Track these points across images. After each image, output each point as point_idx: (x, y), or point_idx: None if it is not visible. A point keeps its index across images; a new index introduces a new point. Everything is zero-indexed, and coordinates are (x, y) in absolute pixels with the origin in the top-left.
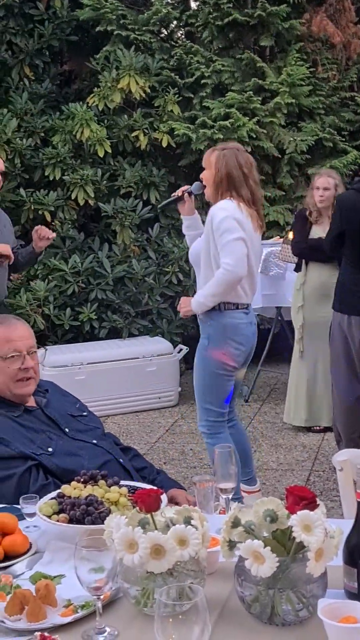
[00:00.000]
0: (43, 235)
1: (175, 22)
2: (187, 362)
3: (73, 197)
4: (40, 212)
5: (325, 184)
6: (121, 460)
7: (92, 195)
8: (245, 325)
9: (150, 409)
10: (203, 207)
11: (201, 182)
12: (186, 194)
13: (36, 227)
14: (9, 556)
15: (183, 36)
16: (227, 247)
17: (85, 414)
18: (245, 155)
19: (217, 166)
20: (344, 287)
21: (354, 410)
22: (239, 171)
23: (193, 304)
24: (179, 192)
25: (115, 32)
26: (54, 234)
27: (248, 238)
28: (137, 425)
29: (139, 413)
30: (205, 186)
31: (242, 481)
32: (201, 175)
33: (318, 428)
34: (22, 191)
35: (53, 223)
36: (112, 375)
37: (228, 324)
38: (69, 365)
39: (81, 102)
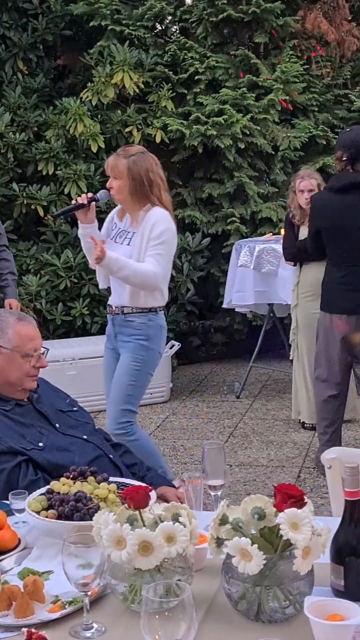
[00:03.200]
0: None
1: (169, 18)
2: (179, 358)
3: (66, 192)
4: (32, 206)
5: (309, 187)
6: (111, 456)
7: (85, 190)
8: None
9: (142, 404)
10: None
11: (108, 190)
12: (92, 202)
13: None
14: None
15: (177, 32)
16: (160, 258)
17: (75, 409)
18: (151, 157)
19: (130, 175)
20: (326, 285)
21: (328, 407)
22: (150, 176)
23: (110, 260)
24: (83, 199)
25: (109, 27)
26: None
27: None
28: None
29: None
30: (113, 195)
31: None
32: (109, 184)
33: (310, 425)
34: (14, 185)
35: (46, 218)
36: None
37: (163, 326)
38: (61, 361)
39: (75, 97)
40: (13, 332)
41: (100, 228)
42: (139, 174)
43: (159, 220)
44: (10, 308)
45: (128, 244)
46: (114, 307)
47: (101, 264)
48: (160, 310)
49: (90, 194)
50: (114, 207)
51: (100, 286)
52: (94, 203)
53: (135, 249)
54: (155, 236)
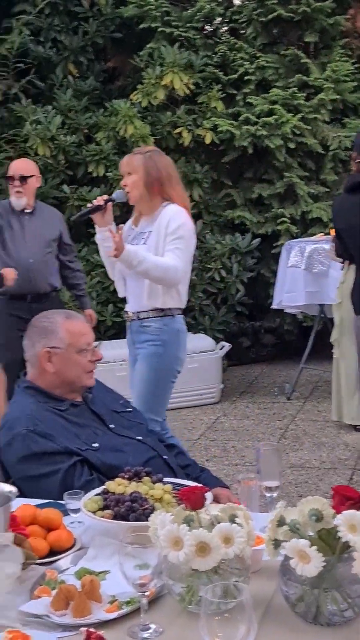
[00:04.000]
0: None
1: (219, 19)
2: (229, 359)
3: None
4: (83, 208)
5: None
6: (165, 457)
7: None
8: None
9: (192, 405)
10: None
11: (123, 189)
12: (108, 203)
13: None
14: (54, 551)
15: (227, 32)
16: (179, 252)
17: (129, 410)
18: (166, 157)
19: (146, 169)
20: (354, 287)
21: None
22: (166, 171)
23: (129, 253)
24: (99, 201)
25: (159, 29)
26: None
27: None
28: (178, 422)
29: (181, 410)
30: (128, 192)
31: None
32: (123, 182)
33: None
34: (65, 187)
35: None
36: None
37: (181, 330)
38: (111, 362)
39: (125, 99)
40: (64, 331)
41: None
42: (155, 168)
43: (175, 216)
44: (91, 319)
45: (144, 244)
46: (130, 313)
47: (120, 257)
48: (178, 314)
49: (106, 196)
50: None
51: (119, 295)
52: (110, 204)
53: (152, 247)
54: (172, 231)
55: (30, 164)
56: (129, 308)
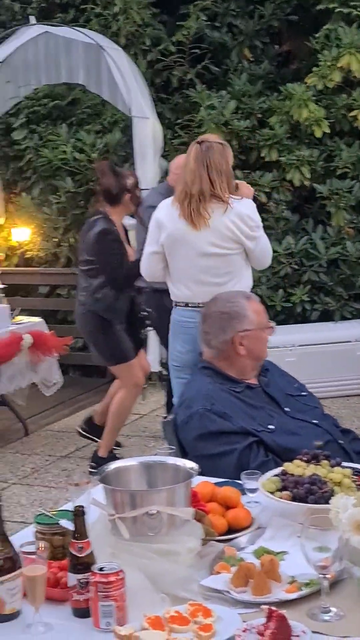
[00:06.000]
0: None
1: None
2: None
3: (288, 178)
4: (255, 193)
5: None
6: (341, 441)
7: (308, 176)
8: (193, 324)
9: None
10: None
11: None
12: None
13: None
14: (232, 529)
15: None
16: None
17: (304, 393)
18: (193, 152)
19: None
20: None
21: None
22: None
23: None
24: None
25: (337, 10)
26: None
27: (176, 237)
28: (347, 409)
29: (350, 397)
30: None
31: None
32: None
33: None
34: (238, 172)
35: (268, 204)
36: (323, 358)
37: (175, 321)
38: (280, 347)
39: (299, 82)
40: (251, 312)
41: None
42: None
43: None
44: None
45: None
46: None
47: None
48: (176, 306)
49: None
50: None
51: None
52: None
53: None
54: None
55: None
56: None
